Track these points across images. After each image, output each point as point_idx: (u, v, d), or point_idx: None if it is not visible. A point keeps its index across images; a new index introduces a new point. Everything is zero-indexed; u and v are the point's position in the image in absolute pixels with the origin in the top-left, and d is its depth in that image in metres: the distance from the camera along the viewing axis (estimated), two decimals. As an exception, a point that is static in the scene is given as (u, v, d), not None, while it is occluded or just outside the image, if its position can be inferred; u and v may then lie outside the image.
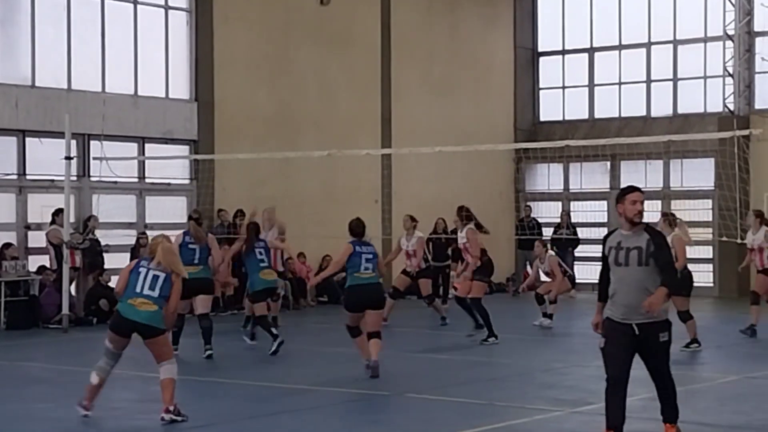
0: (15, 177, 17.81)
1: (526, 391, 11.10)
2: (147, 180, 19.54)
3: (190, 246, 12.87)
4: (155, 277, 8.93)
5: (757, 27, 23.54)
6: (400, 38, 23.66)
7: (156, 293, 8.90)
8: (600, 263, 7.92)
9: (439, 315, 17.14)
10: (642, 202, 7.74)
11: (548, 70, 26.73)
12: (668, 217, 13.87)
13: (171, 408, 8.95)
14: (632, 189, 7.81)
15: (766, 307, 15.84)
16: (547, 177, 26.07)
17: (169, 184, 19.96)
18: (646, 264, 7.66)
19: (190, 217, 13.93)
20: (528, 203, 25.11)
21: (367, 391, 10.86)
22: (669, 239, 13.29)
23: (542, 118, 26.70)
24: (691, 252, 15.05)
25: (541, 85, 26.82)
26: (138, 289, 8.90)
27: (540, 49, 26.85)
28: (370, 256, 11.31)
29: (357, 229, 11.56)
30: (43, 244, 17.43)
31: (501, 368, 12.82)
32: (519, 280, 24.69)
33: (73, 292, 17.18)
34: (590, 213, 25.06)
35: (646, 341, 7.72)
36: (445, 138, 21.86)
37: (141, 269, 9.00)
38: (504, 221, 24.36)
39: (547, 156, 23.79)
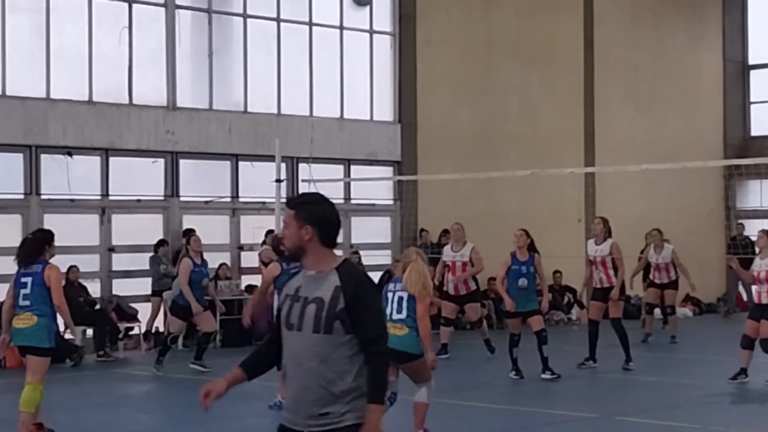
0: (229, 199, 18.58)
1: (740, 415, 10.70)
2: (352, 201, 19.98)
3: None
4: (400, 299, 8.58)
5: None
6: (603, 53, 23.32)
7: (404, 314, 8.52)
8: None
9: (646, 332, 17.02)
10: (287, 225, 4.68)
11: (759, 83, 25.77)
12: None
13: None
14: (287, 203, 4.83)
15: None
16: (759, 194, 25.11)
17: (373, 204, 20.33)
18: (326, 331, 4.56)
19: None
20: (740, 221, 24.21)
21: (575, 413, 10.73)
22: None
23: (753, 133, 25.75)
24: None
25: (752, 99, 25.88)
26: (387, 316, 8.38)
27: (750, 62, 25.92)
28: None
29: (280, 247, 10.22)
30: (255, 264, 18.07)
31: (710, 390, 12.39)
32: (731, 300, 23.84)
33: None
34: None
35: None
36: (650, 154, 21.35)
37: (388, 293, 8.63)
38: (714, 240, 23.58)
39: (761, 172, 22.86)
